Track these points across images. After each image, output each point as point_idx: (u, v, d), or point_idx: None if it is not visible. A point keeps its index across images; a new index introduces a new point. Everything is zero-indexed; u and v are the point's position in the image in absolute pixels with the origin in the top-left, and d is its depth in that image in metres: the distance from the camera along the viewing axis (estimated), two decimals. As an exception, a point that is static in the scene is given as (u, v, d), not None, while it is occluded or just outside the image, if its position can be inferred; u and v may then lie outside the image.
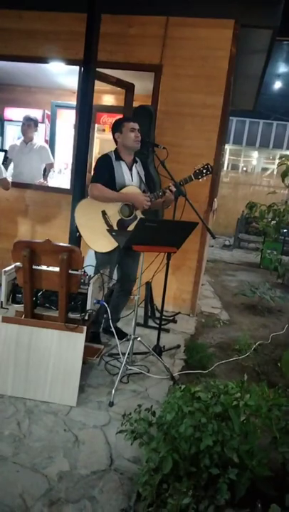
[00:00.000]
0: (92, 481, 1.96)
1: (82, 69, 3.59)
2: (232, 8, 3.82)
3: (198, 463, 1.67)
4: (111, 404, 2.57)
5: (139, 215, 3.14)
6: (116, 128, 3.14)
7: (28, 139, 4.92)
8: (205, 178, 3.15)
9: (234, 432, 1.73)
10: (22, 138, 4.96)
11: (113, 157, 3.12)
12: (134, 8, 3.98)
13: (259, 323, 4.53)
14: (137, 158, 3.25)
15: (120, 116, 4.37)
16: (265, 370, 3.34)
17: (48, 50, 4.23)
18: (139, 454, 2.07)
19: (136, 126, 3.11)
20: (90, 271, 2.87)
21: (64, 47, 4.16)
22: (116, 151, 3.15)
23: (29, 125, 4.87)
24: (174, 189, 3.04)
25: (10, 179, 4.97)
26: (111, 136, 3.21)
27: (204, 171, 3.12)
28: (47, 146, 5.25)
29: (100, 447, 2.20)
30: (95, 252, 3.16)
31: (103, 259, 3.12)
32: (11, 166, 4.89)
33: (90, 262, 3.15)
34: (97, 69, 3.62)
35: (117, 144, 3.17)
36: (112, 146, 3.22)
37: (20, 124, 4.96)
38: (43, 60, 4.34)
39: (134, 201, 3.07)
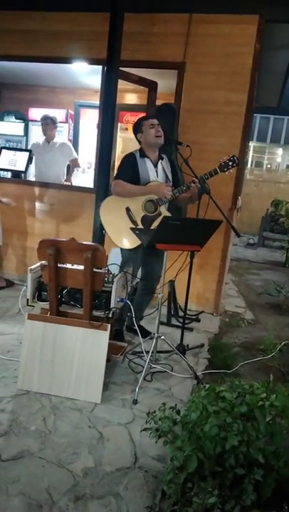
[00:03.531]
0: (116, 477, 1.97)
1: (106, 68, 3.60)
2: (256, 4, 3.77)
3: (224, 463, 1.66)
4: (135, 402, 2.58)
5: (163, 211, 3.13)
6: (137, 129, 3.17)
7: (50, 138, 4.99)
8: (231, 171, 3.09)
9: (260, 433, 1.71)
10: (44, 138, 5.03)
11: (138, 155, 3.14)
12: (157, 6, 3.97)
13: (284, 323, 4.46)
14: (163, 155, 3.24)
15: (143, 114, 4.38)
16: (290, 370, 3.29)
17: (72, 50, 4.27)
18: (163, 452, 2.07)
19: (155, 121, 3.11)
20: (113, 269, 2.88)
21: (87, 47, 4.19)
22: (141, 150, 3.17)
23: (47, 124, 4.92)
24: (197, 183, 3.02)
25: (33, 179, 5.05)
26: (134, 135, 3.22)
27: (230, 163, 3.05)
28: (69, 143, 5.29)
29: (124, 444, 2.21)
30: (121, 249, 3.18)
31: (129, 256, 3.15)
32: (33, 165, 4.94)
33: (113, 260, 3.17)
34: (120, 68, 3.63)
35: (140, 144, 3.19)
36: (134, 144, 3.23)
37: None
38: (66, 60, 4.38)
39: (155, 192, 3.06)
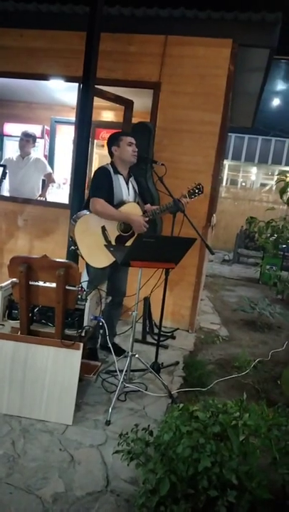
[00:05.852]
0: (87, 502, 1.91)
1: (82, 86, 3.62)
2: (230, 28, 3.89)
3: (197, 484, 1.63)
4: (108, 422, 2.52)
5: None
6: (113, 141, 3.15)
7: (24, 154, 4.99)
8: (197, 198, 3.22)
9: (233, 453, 1.69)
10: (19, 153, 5.01)
11: (111, 170, 3.11)
12: (133, 27, 4.05)
13: (259, 339, 4.49)
14: (131, 173, 3.26)
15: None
16: (264, 387, 3.30)
17: (48, 67, 4.29)
18: (136, 474, 2.02)
19: (133, 140, 3.13)
20: (87, 287, 2.85)
21: (64, 64, 4.22)
22: (113, 165, 3.15)
23: (28, 141, 4.95)
24: (187, 199, 3.16)
25: (7, 194, 5.01)
26: (107, 147, 3.22)
27: (196, 191, 3.23)
28: (43, 158, 5.29)
29: (96, 467, 2.15)
30: (87, 266, 3.12)
31: (97, 274, 3.09)
32: (7, 180, 4.90)
33: (86, 277, 3.13)
34: (96, 86, 3.66)
35: (112, 158, 3.17)
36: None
37: (19, 139, 5.03)
38: (43, 76, 4.40)
39: (134, 223, 3.06)
